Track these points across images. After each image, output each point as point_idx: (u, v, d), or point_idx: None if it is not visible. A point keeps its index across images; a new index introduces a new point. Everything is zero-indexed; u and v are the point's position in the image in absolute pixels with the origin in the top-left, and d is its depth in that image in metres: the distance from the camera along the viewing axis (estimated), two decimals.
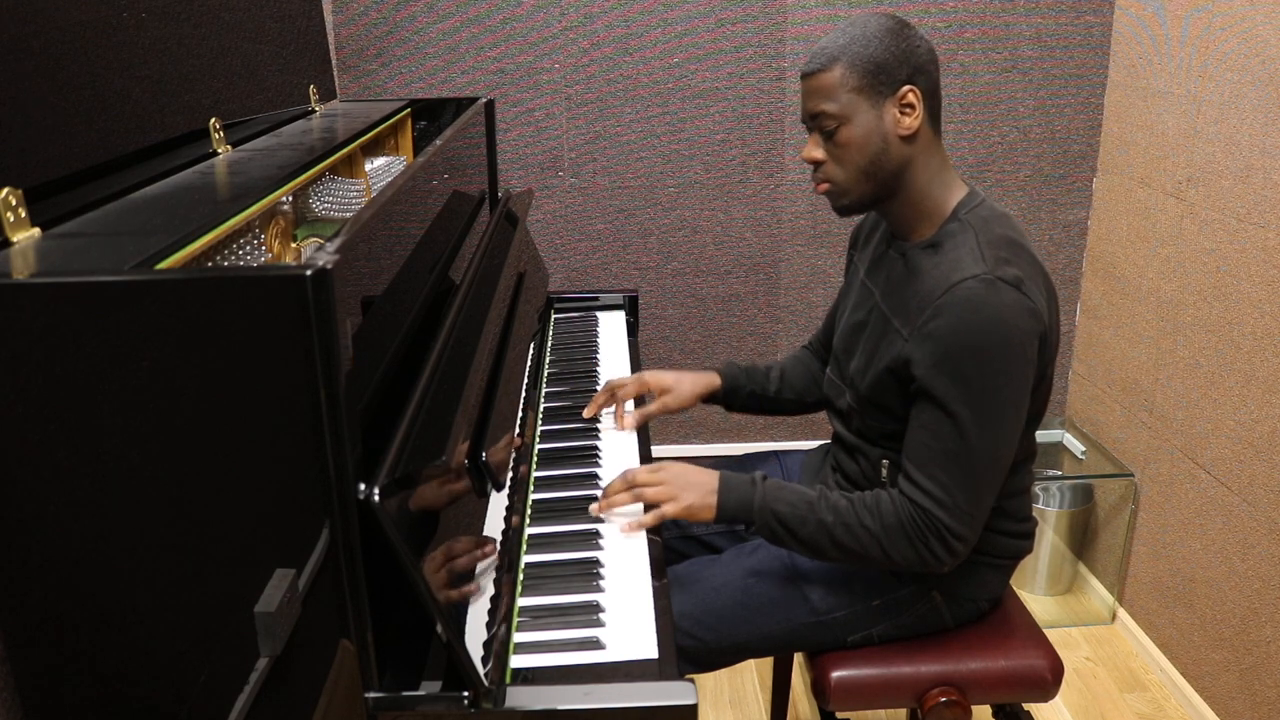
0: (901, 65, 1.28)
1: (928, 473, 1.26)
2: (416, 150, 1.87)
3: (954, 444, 1.24)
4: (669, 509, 1.33)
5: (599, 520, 1.34)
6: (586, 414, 1.63)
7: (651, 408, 1.64)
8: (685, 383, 1.66)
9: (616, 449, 1.55)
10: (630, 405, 1.66)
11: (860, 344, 1.42)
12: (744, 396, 1.69)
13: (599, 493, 1.39)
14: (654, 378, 1.66)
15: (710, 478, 1.36)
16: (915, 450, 1.28)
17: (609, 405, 1.65)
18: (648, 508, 1.34)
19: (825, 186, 1.35)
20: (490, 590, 1.09)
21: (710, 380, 1.67)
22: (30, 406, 0.78)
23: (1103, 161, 2.49)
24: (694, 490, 1.34)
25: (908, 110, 1.29)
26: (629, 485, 1.35)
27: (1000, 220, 1.31)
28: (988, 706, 1.50)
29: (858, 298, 1.47)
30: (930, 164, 1.33)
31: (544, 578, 1.21)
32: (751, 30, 2.42)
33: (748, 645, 1.41)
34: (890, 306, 1.36)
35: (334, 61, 2.24)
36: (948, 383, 1.23)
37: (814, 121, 1.32)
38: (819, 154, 1.33)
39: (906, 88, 1.28)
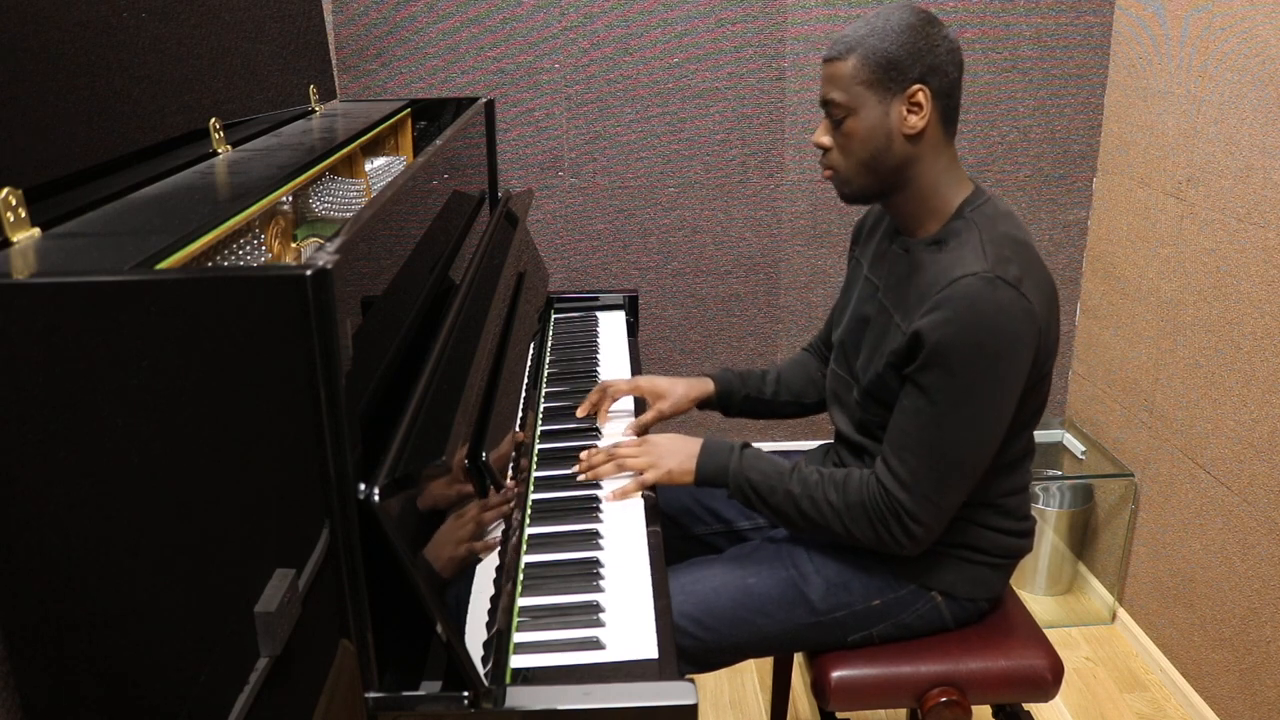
0: (915, 63, 1.27)
1: (900, 457, 1.29)
2: (416, 150, 1.87)
3: (930, 433, 1.26)
4: (649, 476, 1.41)
5: (599, 520, 1.34)
6: (580, 413, 1.64)
7: (647, 416, 1.64)
8: (679, 387, 1.66)
9: None
10: (630, 404, 1.67)
11: (865, 338, 1.43)
12: (739, 400, 1.70)
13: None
14: (648, 383, 1.66)
15: (692, 445, 1.44)
16: (893, 434, 1.31)
17: (601, 403, 1.65)
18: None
19: (829, 173, 1.37)
20: (490, 590, 1.09)
21: (704, 385, 1.68)
22: (30, 406, 0.78)
23: (1103, 161, 2.49)
24: (674, 456, 1.42)
25: (915, 109, 1.28)
26: (611, 455, 1.42)
27: (1005, 218, 1.32)
28: (988, 706, 1.50)
29: (862, 292, 1.48)
30: (937, 163, 1.32)
31: (544, 578, 1.21)
32: (751, 30, 2.42)
33: (748, 645, 1.41)
34: (892, 301, 1.37)
35: (334, 61, 2.24)
36: (935, 374, 1.24)
37: (825, 107, 1.33)
38: (826, 140, 1.35)
39: (916, 86, 1.27)
